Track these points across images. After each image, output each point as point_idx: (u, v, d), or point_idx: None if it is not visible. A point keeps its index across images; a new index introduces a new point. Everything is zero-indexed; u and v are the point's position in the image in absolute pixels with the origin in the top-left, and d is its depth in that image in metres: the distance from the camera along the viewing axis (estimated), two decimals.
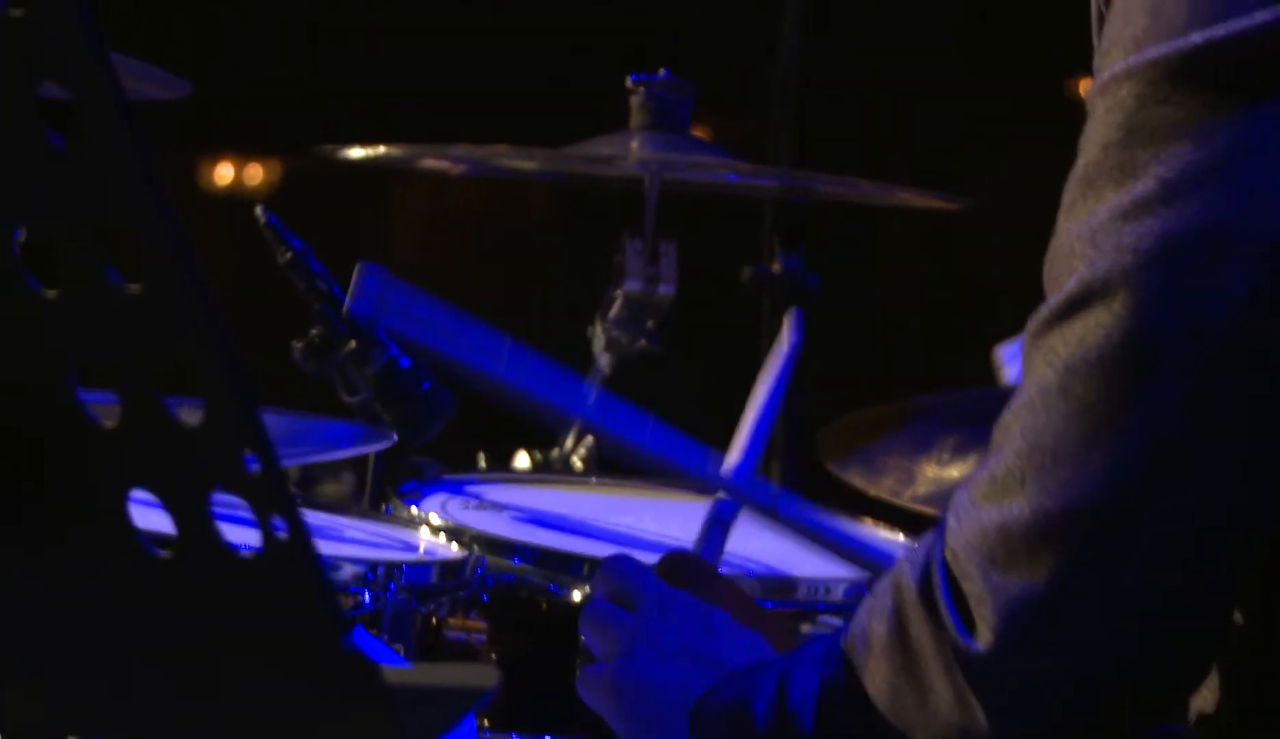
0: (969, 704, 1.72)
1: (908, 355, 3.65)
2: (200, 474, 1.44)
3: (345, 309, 2.54)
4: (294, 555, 1.42)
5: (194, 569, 1.46)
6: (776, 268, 3.46)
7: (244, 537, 1.43)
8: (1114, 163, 1.69)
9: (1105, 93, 1.71)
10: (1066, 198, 1.72)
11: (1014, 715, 1.74)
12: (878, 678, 1.77)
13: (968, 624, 1.71)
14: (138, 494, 1.46)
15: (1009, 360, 3.15)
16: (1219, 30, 1.66)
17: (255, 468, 1.40)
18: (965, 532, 1.72)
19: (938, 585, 1.73)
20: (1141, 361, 1.67)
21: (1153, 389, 1.67)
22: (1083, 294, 1.69)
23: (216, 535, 1.45)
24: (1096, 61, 1.73)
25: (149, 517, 1.45)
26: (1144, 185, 1.67)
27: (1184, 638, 1.75)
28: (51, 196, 1.41)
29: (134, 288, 1.39)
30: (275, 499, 1.40)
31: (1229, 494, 1.71)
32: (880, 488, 2.70)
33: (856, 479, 2.73)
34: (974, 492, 1.73)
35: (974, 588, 1.71)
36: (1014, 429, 1.72)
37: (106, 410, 1.45)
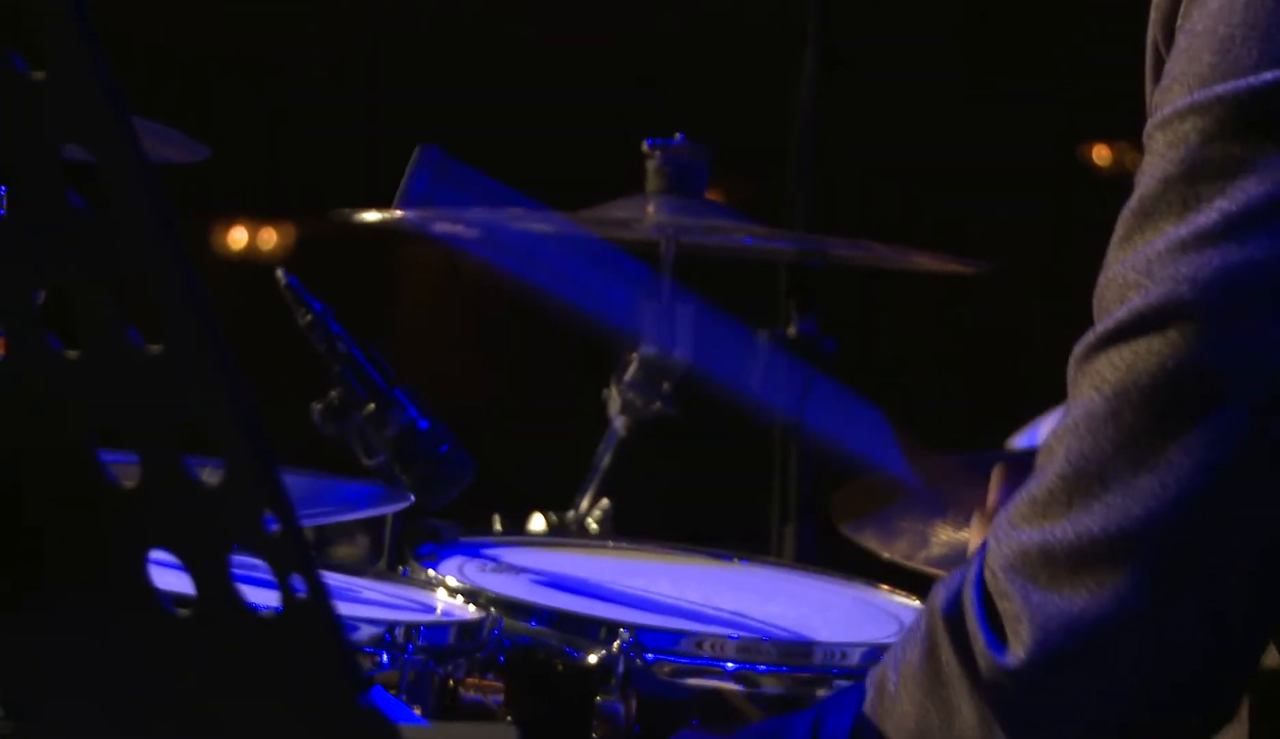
0: (991, 725, 1.72)
1: (924, 419, 3.64)
2: (220, 534, 1.44)
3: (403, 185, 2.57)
4: (314, 615, 1.42)
5: (214, 628, 1.46)
6: (792, 331, 3.47)
7: (264, 596, 1.44)
8: (1175, 196, 1.69)
9: (1167, 127, 1.70)
10: (1120, 230, 1.72)
11: (1035, 736, 1.73)
12: (907, 702, 1.78)
13: (1002, 639, 1.71)
14: (158, 554, 1.47)
15: (1027, 444, 3.15)
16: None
17: (275, 528, 1.41)
18: (1004, 551, 1.72)
19: (971, 604, 1.73)
20: (1197, 391, 1.67)
21: (1209, 420, 1.67)
22: (1135, 321, 1.69)
23: (236, 595, 1.44)
24: (1156, 98, 1.73)
25: (169, 576, 1.46)
26: (1206, 218, 1.67)
27: (1219, 672, 1.74)
28: (73, 257, 1.42)
29: (155, 348, 1.40)
30: (295, 559, 1.40)
31: (1267, 535, 1.70)
32: (894, 551, 2.70)
33: (871, 542, 2.73)
34: (1014, 513, 1.73)
35: (1011, 606, 1.71)
36: (1058, 452, 1.71)
37: (127, 470, 1.46)
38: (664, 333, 3.20)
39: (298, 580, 1.41)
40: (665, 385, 3.18)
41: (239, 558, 1.43)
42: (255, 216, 7.65)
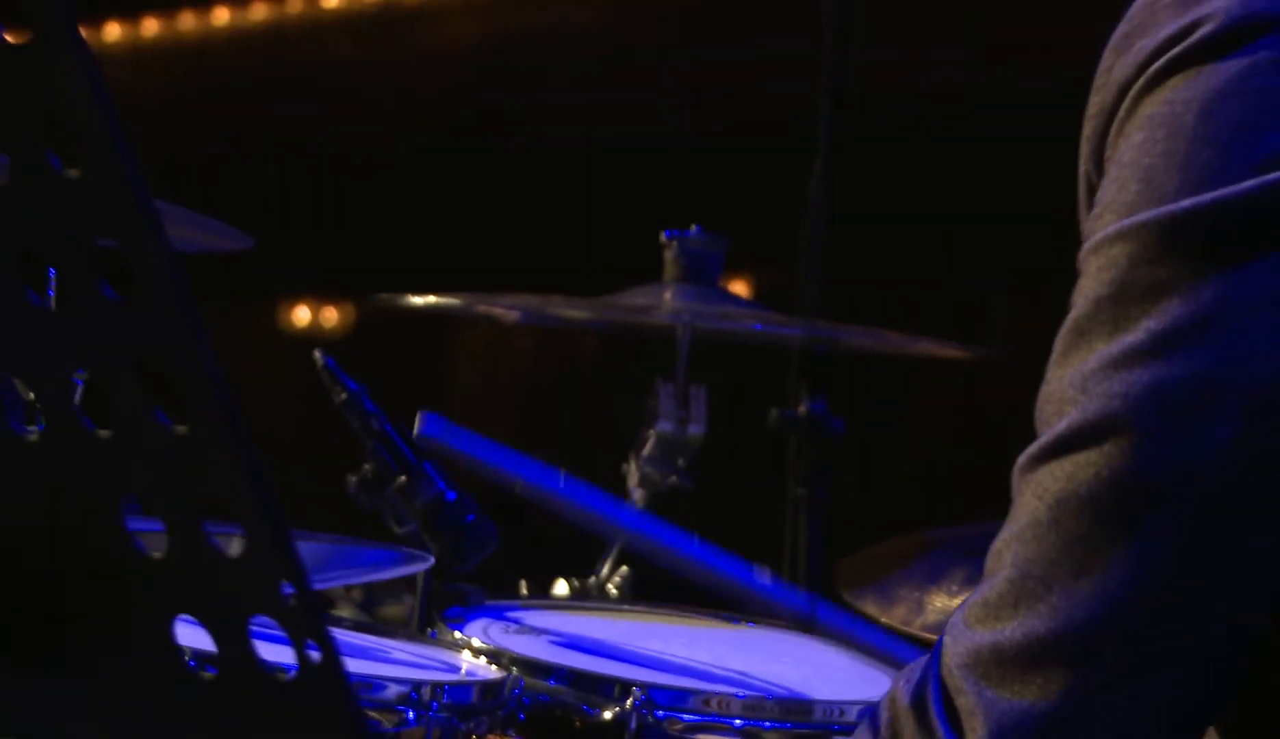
0: None
1: (929, 493, 3.65)
2: (240, 601, 1.45)
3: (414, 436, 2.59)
4: (327, 677, 1.43)
5: (233, 689, 1.47)
6: (802, 411, 3.48)
7: (280, 655, 1.45)
8: (1106, 317, 1.70)
9: (1098, 252, 1.71)
10: (1058, 347, 1.73)
11: None
12: None
13: (958, 733, 1.71)
14: (186, 619, 1.48)
15: None
16: (1206, 197, 1.67)
17: (291, 595, 1.42)
18: (959, 651, 1.72)
19: (930, 699, 1.74)
20: (1132, 500, 1.67)
21: (1143, 526, 1.67)
22: (1073, 435, 1.69)
23: (255, 657, 1.45)
24: (1088, 225, 1.74)
25: (192, 635, 1.48)
26: (1135, 337, 1.68)
27: None
28: (105, 342, 1.43)
29: (180, 428, 1.41)
30: (309, 625, 1.41)
31: (1213, 629, 1.71)
32: (892, 616, 2.71)
33: (871, 608, 2.74)
34: (968, 615, 1.74)
35: (967, 702, 1.71)
36: (1005, 556, 1.72)
37: (155, 539, 1.48)
38: (676, 411, 3.22)
39: (312, 645, 1.41)
40: (680, 461, 3.20)
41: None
42: (314, 299, 7.68)
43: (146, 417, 1.42)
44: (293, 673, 1.43)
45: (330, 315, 7.65)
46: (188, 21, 8.24)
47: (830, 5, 3.49)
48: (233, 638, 1.45)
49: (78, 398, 1.46)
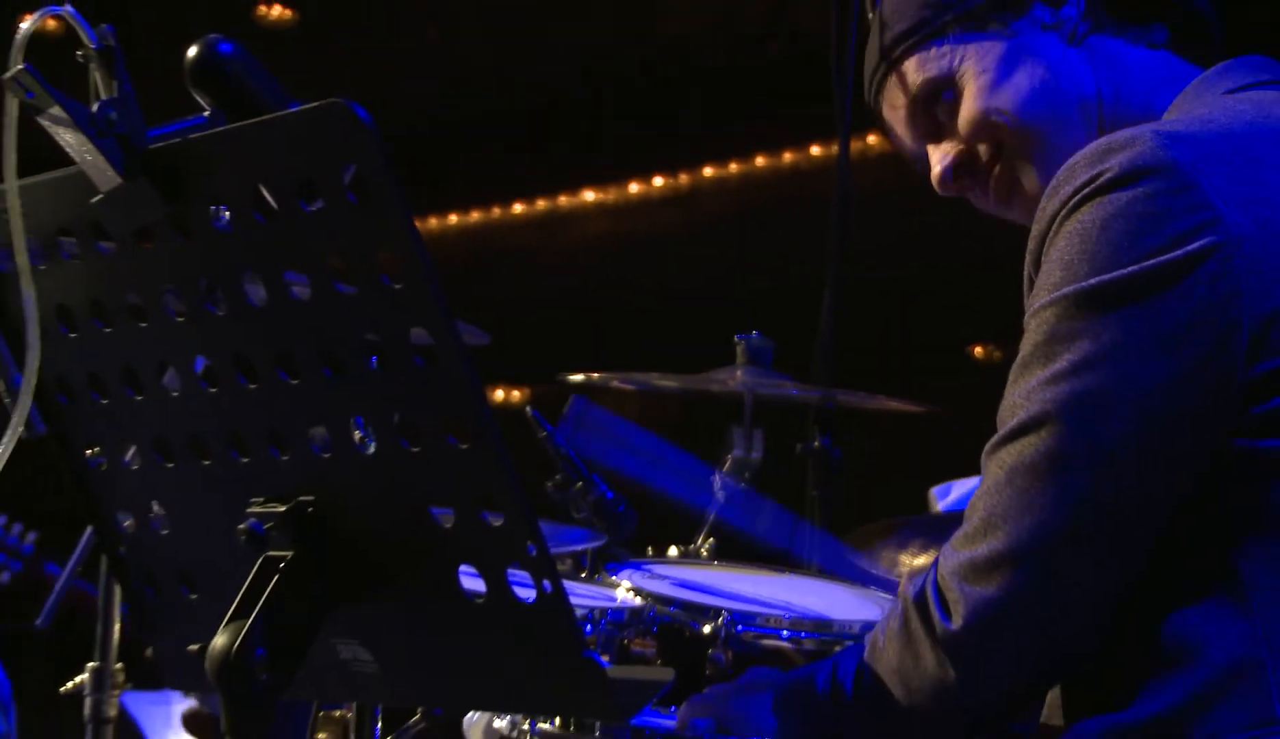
0: (945, 665, 1.69)
1: (896, 494, 3.58)
2: (501, 555, 1.43)
3: (560, 424, 2.59)
4: (556, 604, 1.41)
5: (496, 613, 1.44)
6: (816, 445, 3.45)
7: (524, 590, 1.42)
8: (1041, 353, 1.68)
9: (1036, 315, 1.70)
10: (1011, 376, 1.71)
11: (972, 671, 1.69)
12: (890, 654, 1.75)
13: (948, 614, 1.69)
14: (466, 568, 1.45)
15: (939, 497, 3.09)
16: (1104, 277, 1.64)
17: (533, 551, 1.38)
18: (949, 563, 1.71)
19: (930, 594, 1.72)
20: (1057, 467, 1.65)
21: (1064, 484, 1.64)
22: (1019, 428, 1.67)
23: (511, 592, 1.44)
24: (1029, 300, 1.72)
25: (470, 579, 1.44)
26: (1059, 365, 1.65)
27: (1079, 638, 1.70)
28: (416, 394, 1.40)
29: (464, 446, 1.38)
30: (545, 570, 1.40)
31: (1110, 550, 1.67)
32: (881, 569, 2.66)
33: (867, 564, 2.69)
34: (954, 542, 1.73)
35: (953, 595, 1.70)
36: (979, 506, 1.71)
37: (446, 518, 1.44)
38: (746, 445, 3.19)
39: (547, 583, 1.40)
40: (746, 474, 3.17)
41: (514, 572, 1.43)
42: (516, 382, 7.69)
43: (442, 439, 1.39)
44: (533, 601, 1.41)
45: (527, 391, 7.74)
46: (445, 221, 8.33)
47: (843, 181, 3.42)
48: (496, 580, 1.44)
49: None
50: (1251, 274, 1.61)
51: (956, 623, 1.67)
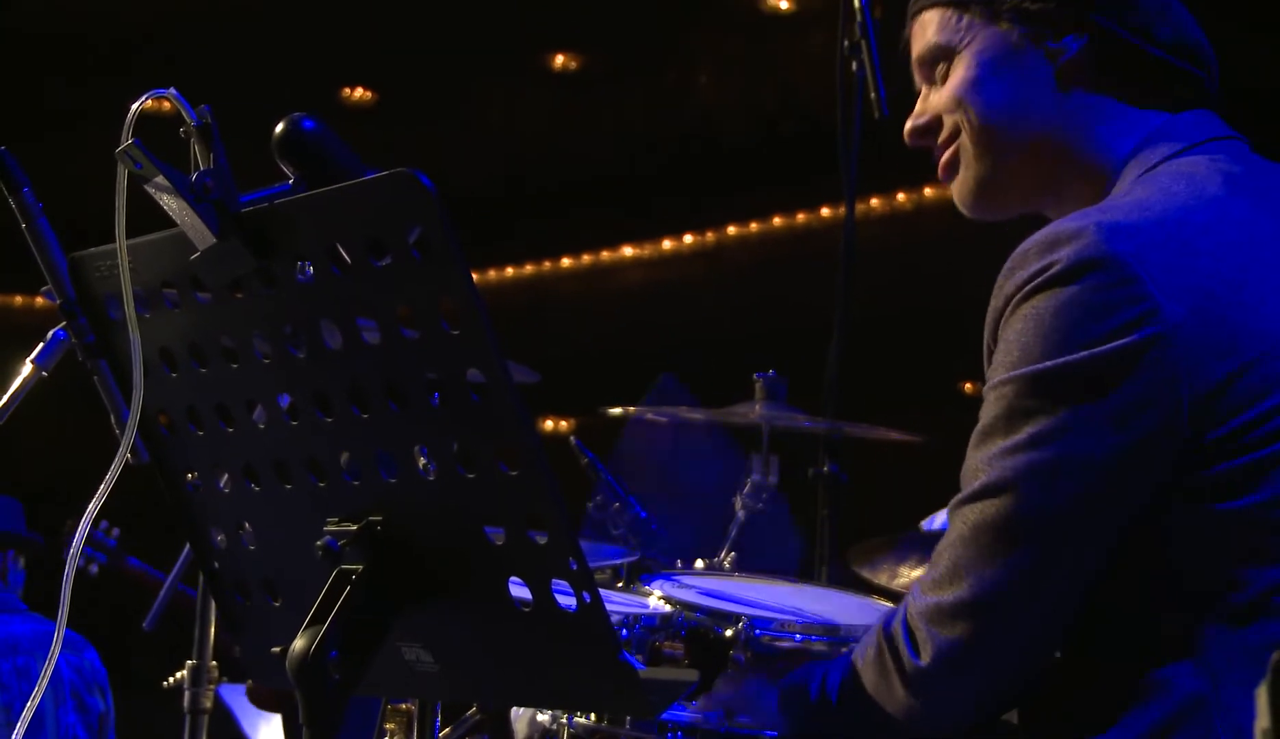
0: (913, 697, 1.67)
1: (895, 512, 3.53)
2: (546, 569, 1.41)
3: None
4: (594, 612, 1.39)
5: (541, 620, 1.43)
6: (825, 470, 3.42)
7: (566, 600, 1.39)
8: (1001, 425, 1.64)
9: (995, 389, 1.66)
10: (973, 442, 1.68)
11: (937, 704, 1.67)
12: (867, 679, 1.73)
13: (917, 653, 1.67)
14: (515, 580, 1.42)
15: (927, 527, 3.05)
16: (1056, 361, 1.61)
17: (574, 566, 1.36)
18: (918, 606, 1.69)
19: (900, 632, 1.70)
20: (1015, 528, 1.62)
21: (1020, 543, 1.62)
22: (982, 490, 1.64)
23: (554, 601, 1.42)
24: (989, 374, 1.69)
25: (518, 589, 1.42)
26: (1018, 438, 1.62)
27: (1028, 674, 1.68)
28: (470, 425, 1.39)
29: (514, 472, 1.36)
30: (585, 582, 1.39)
31: (1056, 603, 1.64)
32: (877, 578, 2.61)
33: (866, 573, 2.65)
34: (923, 586, 1.70)
35: (921, 636, 1.67)
36: (945, 555, 1.68)
37: (497, 536, 1.42)
38: (763, 471, 3.15)
39: (586, 594, 1.39)
40: (764, 496, 3.13)
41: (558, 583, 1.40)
42: (561, 413, 7.66)
43: (494, 467, 1.37)
44: (574, 610, 1.38)
45: (571, 422, 7.71)
46: (503, 274, 8.31)
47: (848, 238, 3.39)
48: (541, 591, 1.42)
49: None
50: (1187, 357, 1.58)
51: (925, 661, 1.65)
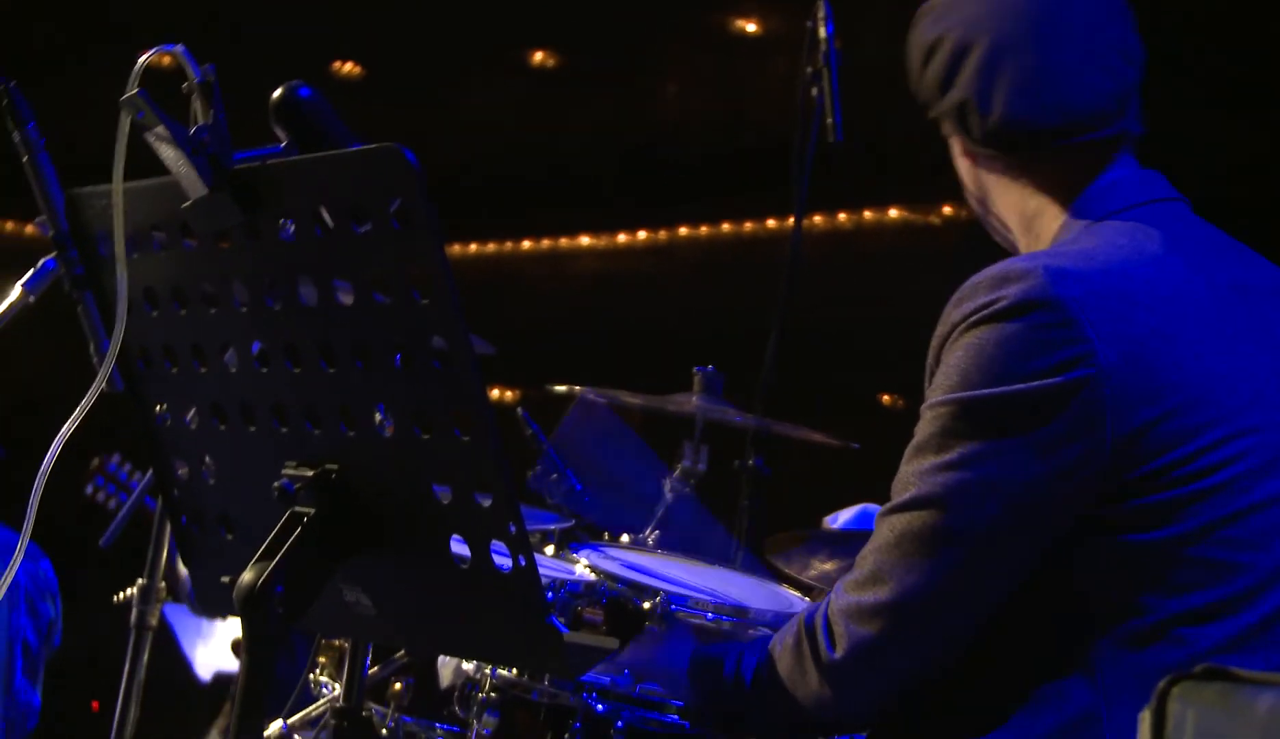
0: (825, 686, 1.69)
1: (809, 507, 3.55)
2: (487, 530, 1.41)
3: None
4: (527, 574, 1.39)
5: (479, 577, 1.43)
6: (750, 463, 3.42)
7: (502, 561, 1.38)
8: (934, 444, 1.65)
9: (932, 409, 1.67)
10: (906, 455, 1.68)
11: (846, 693, 1.69)
12: (783, 665, 1.74)
13: (833, 645, 1.68)
14: (456, 537, 1.41)
15: (830, 522, 3.07)
16: (992, 390, 1.62)
17: (513, 530, 1.36)
18: (839, 604, 1.70)
19: (820, 624, 1.71)
20: (937, 539, 1.63)
21: (940, 552, 1.63)
22: (911, 501, 1.65)
23: (492, 561, 1.42)
24: (928, 393, 1.69)
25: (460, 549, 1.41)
26: (949, 456, 1.63)
27: (933, 676, 1.69)
28: (432, 390, 1.38)
29: (465, 438, 1.35)
30: (522, 547, 1.39)
31: (972, 605, 1.65)
32: (792, 570, 2.62)
33: (780, 563, 2.65)
34: (846, 585, 1.71)
35: (839, 630, 1.69)
36: (870, 558, 1.69)
37: (445, 495, 1.41)
38: (693, 458, 3.14)
39: (522, 558, 1.39)
40: (691, 481, 3.12)
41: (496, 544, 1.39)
42: (506, 383, 7.62)
43: (448, 430, 1.36)
44: (509, 571, 1.37)
45: (518, 394, 7.67)
46: (467, 249, 8.28)
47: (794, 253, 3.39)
48: (480, 550, 1.42)
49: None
50: (1115, 400, 1.59)
51: (839, 653, 1.67)
